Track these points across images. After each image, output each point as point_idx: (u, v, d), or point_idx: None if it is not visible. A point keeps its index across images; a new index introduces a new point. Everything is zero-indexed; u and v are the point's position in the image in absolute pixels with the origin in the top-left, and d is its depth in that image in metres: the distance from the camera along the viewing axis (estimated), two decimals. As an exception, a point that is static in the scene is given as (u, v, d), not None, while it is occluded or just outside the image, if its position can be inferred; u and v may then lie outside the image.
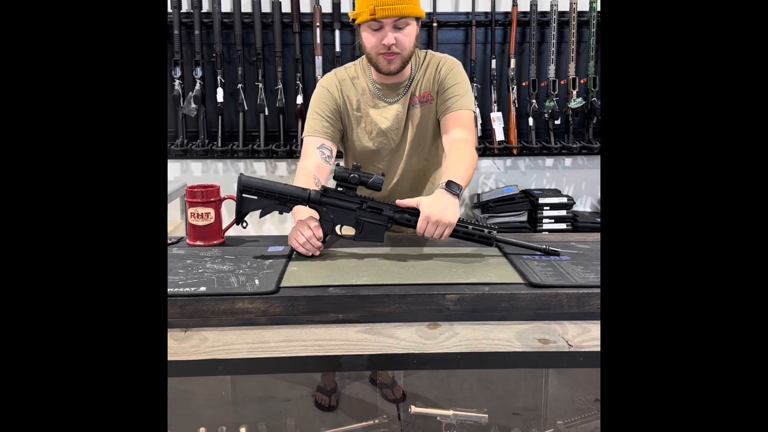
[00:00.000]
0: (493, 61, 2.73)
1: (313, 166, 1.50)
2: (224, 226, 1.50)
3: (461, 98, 1.54)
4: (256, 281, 1.18)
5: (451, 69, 1.56)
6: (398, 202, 1.33)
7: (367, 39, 1.47)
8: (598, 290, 1.13)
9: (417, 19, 1.48)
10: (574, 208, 2.84)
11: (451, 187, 1.32)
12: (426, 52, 1.60)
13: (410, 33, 1.45)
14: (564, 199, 2.76)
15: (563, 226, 2.77)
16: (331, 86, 1.58)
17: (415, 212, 1.31)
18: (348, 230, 1.38)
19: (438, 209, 1.28)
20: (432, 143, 1.62)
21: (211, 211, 1.45)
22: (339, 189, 1.34)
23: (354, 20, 1.47)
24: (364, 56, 1.55)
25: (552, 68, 2.71)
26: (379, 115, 1.57)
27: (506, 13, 2.72)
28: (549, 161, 2.96)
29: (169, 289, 1.13)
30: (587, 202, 3.00)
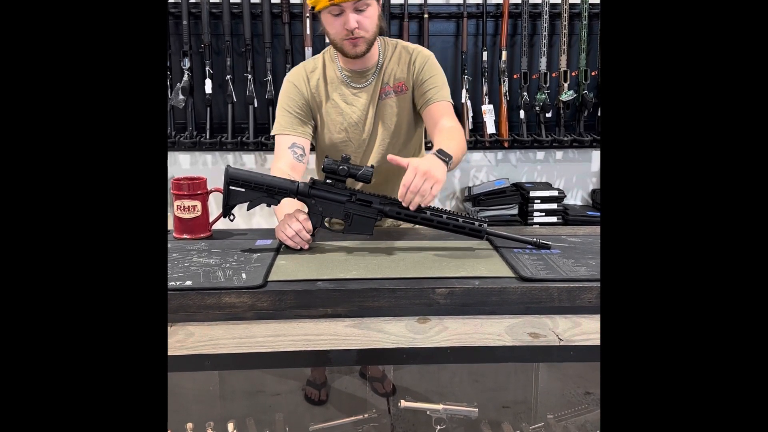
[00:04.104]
0: (485, 53, 2.71)
1: (287, 167, 1.48)
2: (211, 219, 1.48)
3: (441, 89, 1.53)
4: (243, 275, 1.16)
5: (427, 60, 1.55)
6: (389, 157, 1.28)
7: (330, 25, 1.44)
8: (589, 284, 1.13)
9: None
10: (565, 202, 2.84)
11: (441, 153, 1.28)
12: (397, 42, 1.58)
13: (372, 14, 1.43)
14: (555, 192, 2.76)
15: (554, 219, 2.77)
16: (298, 80, 1.56)
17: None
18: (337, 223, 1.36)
19: (427, 164, 1.23)
20: (406, 135, 1.60)
21: (198, 203, 1.43)
22: (328, 181, 1.32)
23: (313, 8, 1.44)
24: (331, 45, 1.53)
25: (543, 61, 2.70)
26: (349, 105, 1.56)
27: (498, 5, 2.70)
28: (540, 154, 2.95)
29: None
30: (578, 195, 3.00)
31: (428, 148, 1.61)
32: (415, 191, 1.21)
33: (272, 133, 1.58)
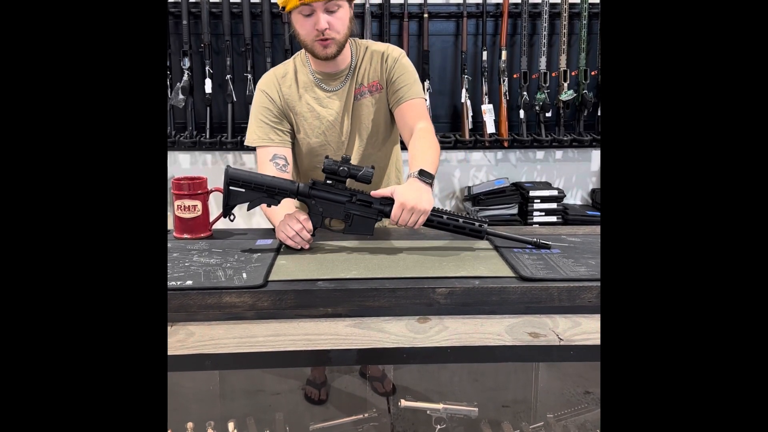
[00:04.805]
0: (484, 53, 2.72)
1: None
2: (212, 218, 1.48)
3: (412, 87, 1.52)
4: (244, 275, 1.16)
5: (398, 58, 1.54)
6: (372, 193, 1.31)
7: (300, 26, 1.43)
8: (589, 284, 1.13)
9: (349, 1, 1.44)
10: (565, 201, 2.84)
11: (423, 175, 1.30)
12: (367, 42, 1.57)
13: (342, 16, 1.42)
14: (554, 192, 2.76)
15: (554, 219, 2.77)
16: (269, 88, 1.54)
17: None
18: (337, 224, 1.36)
19: (413, 196, 1.26)
20: (384, 134, 1.60)
21: (198, 203, 1.43)
22: (328, 182, 1.33)
23: (284, 8, 1.42)
24: (303, 49, 1.52)
25: (543, 60, 2.70)
26: (324, 108, 1.54)
27: (497, 5, 2.70)
28: (540, 154, 2.95)
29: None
30: (578, 195, 3.00)
31: (403, 147, 1.62)
32: (404, 223, 1.27)
33: (248, 144, 1.54)
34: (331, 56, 1.45)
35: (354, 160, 1.58)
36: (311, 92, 1.54)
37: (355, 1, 1.49)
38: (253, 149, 1.57)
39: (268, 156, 1.51)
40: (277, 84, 1.54)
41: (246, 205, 1.33)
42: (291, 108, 1.54)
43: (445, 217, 1.32)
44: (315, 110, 1.54)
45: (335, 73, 1.53)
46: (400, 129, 1.56)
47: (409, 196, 1.26)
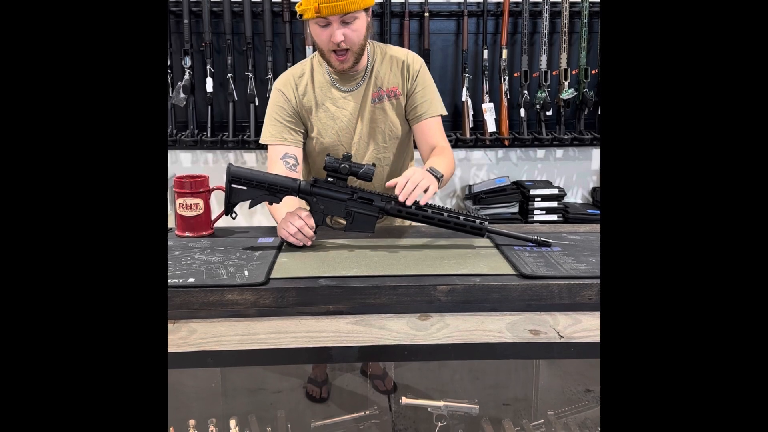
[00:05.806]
0: (485, 52, 2.72)
1: None
2: (213, 216, 1.48)
3: (433, 103, 1.55)
4: (246, 272, 1.17)
5: (419, 70, 1.55)
6: (388, 183, 1.32)
7: (316, 35, 1.44)
8: (589, 281, 1.13)
9: (366, 10, 1.43)
10: (565, 200, 2.85)
11: (432, 170, 1.35)
12: (385, 47, 1.57)
13: (359, 27, 1.42)
14: (555, 191, 2.76)
15: (554, 217, 2.77)
16: (286, 88, 1.55)
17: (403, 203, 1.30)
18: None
19: (421, 172, 1.31)
20: (401, 140, 1.61)
21: (200, 201, 1.44)
22: (329, 179, 1.33)
23: (301, 16, 1.41)
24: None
25: (544, 59, 2.70)
26: (339, 108, 1.54)
27: (498, 3, 2.70)
28: (540, 152, 2.95)
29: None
30: (578, 193, 3.00)
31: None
32: (415, 183, 1.27)
33: (261, 141, 1.56)
34: (347, 69, 1.46)
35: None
36: (327, 92, 1.55)
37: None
38: (255, 148, 1.58)
39: (278, 154, 1.52)
40: (293, 83, 1.55)
41: (248, 203, 1.33)
42: (306, 107, 1.55)
43: (445, 214, 1.33)
44: (329, 110, 1.54)
45: (351, 74, 1.53)
46: (418, 143, 1.59)
47: (419, 169, 1.32)
